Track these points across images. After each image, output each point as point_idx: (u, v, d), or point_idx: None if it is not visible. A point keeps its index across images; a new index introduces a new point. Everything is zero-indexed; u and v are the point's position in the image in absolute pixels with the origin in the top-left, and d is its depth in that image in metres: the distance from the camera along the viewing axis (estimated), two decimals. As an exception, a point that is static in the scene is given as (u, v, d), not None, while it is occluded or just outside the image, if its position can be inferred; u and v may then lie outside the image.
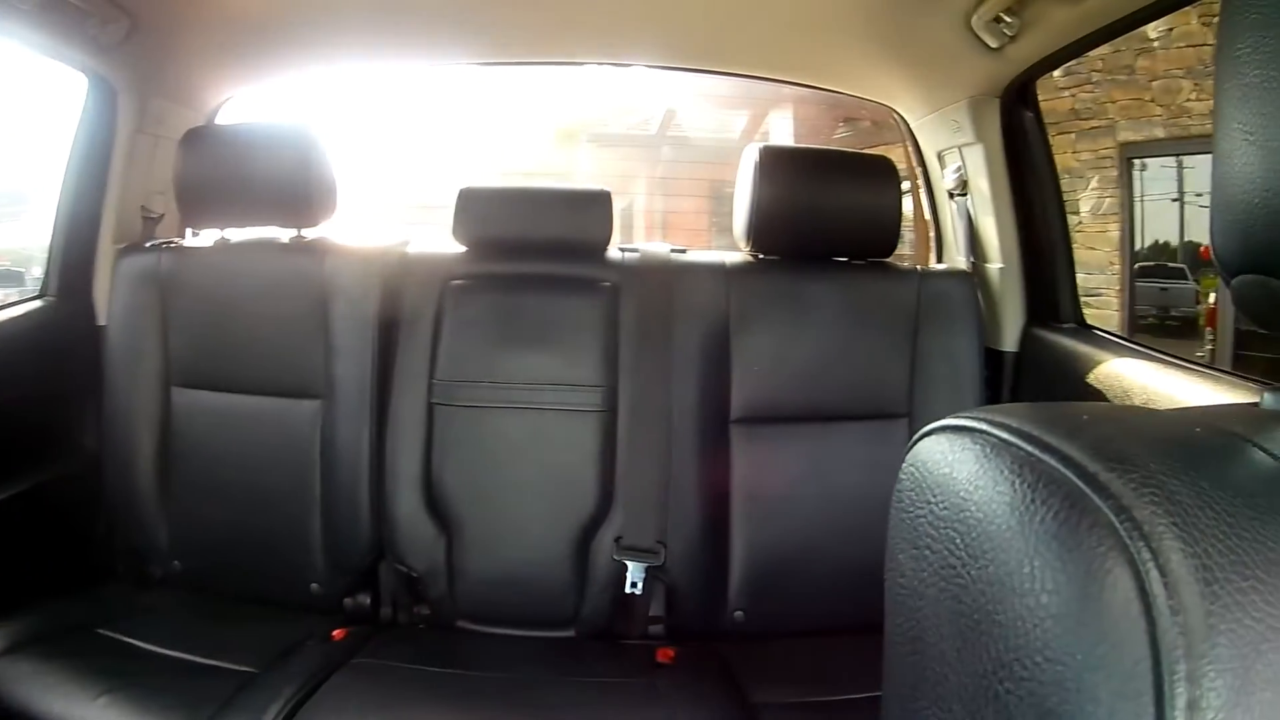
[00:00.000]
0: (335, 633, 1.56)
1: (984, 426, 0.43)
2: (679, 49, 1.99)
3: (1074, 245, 1.80)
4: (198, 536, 1.71)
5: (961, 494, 0.42)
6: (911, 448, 0.47)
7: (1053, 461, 0.39)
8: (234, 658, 1.46)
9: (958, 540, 0.42)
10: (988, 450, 0.41)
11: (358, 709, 1.33)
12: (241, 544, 1.69)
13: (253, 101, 2.03)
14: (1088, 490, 0.37)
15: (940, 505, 0.43)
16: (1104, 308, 4.32)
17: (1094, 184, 4.32)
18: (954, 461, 0.43)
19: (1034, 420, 0.42)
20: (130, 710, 1.31)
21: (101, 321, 1.78)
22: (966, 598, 0.41)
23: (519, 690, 1.39)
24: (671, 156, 6.29)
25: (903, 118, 1.98)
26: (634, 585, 1.58)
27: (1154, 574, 0.34)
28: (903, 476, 0.47)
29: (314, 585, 1.68)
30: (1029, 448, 0.40)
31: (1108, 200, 4.34)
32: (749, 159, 1.69)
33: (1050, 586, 0.36)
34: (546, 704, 1.35)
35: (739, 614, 1.61)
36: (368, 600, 1.69)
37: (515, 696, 1.37)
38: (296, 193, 1.71)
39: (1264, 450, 0.40)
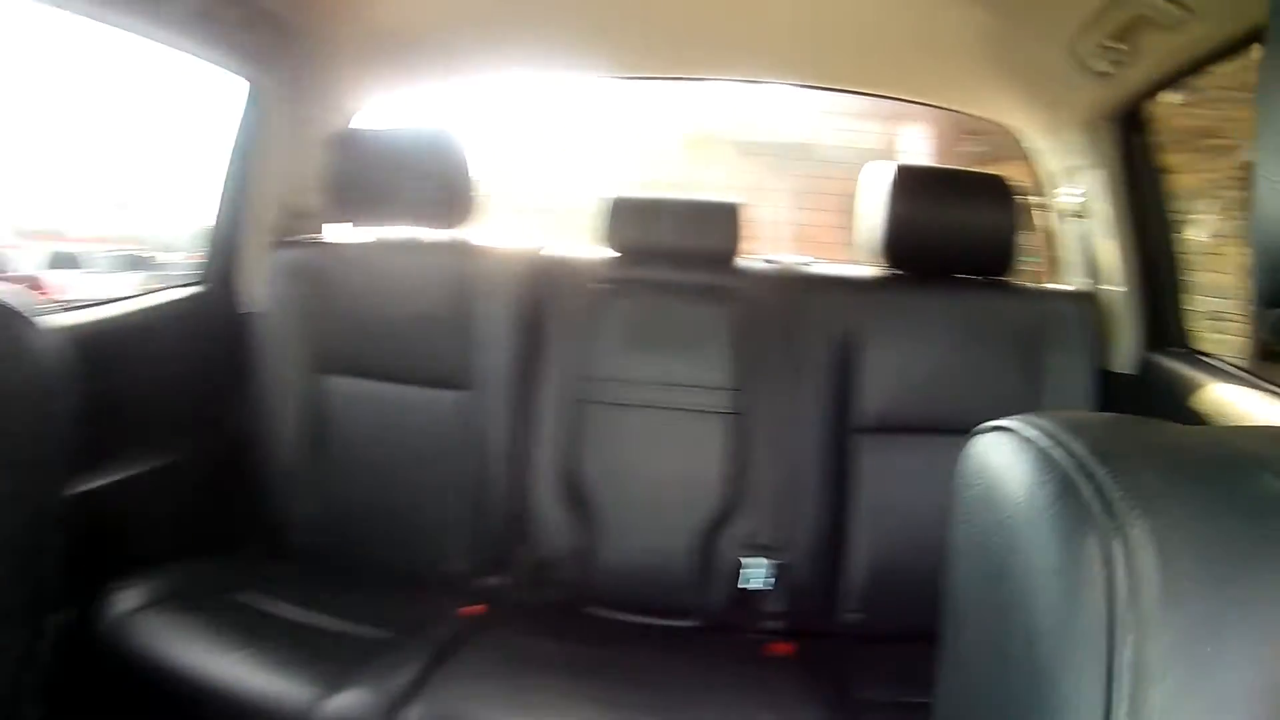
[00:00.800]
0: (467, 610, 1.62)
1: (1016, 426, 0.51)
2: (802, 67, 2.04)
3: (1197, 269, 1.75)
4: (336, 515, 1.79)
5: (993, 481, 0.51)
6: (967, 445, 0.55)
7: (1059, 454, 0.46)
8: (365, 628, 1.51)
9: (990, 520, 0.50)
10: (1016, 445, 0.50)
11: (484, 680, 1.39)
12: (379, 523, 1.77)
13: (389, 105, 2.13)
14: (1078, 478, 0.44)
15: (979, 489, 0.52)
16: (1228, 333, 4.12)
17: (1217, 205, 4.13)
18: (992, 454, 0.52)
19: (1057, 422, 0.49)
20: (261, 667, 1.37)
21: (252, 309, 1.89)
22: (991, 560, 0.50)
23: (638, 674, 1.43)
24: (802, 169, 6.27)
25: (1021, 137, 1.98)
26: (754, 581, 1.63)
27: (1117, 547, 0.41)
28: (957, 469, 0.55)
29: (448, 565, 1.74)
30: (1045, 442, 0.48)
31: (1232, 223, 4.14)
32: (878, 174, 1.72)
33: (1043, 556, 0.44)
34: (661, 687, 1.39)
35: (855, 615, 1.64)
36: (501, 582, 1.74)
37: (634, 679, 1.41)
38: (439, 194, 1.79)
39: (1271, 472, 0.44)
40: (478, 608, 1.63)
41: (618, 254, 1.83)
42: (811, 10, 1.72)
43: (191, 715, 1.38)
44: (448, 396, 1.76)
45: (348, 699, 1.33)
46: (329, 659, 1.40)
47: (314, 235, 1.96)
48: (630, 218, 1.82)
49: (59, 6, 1.40)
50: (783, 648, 1.57)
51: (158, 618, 1.46)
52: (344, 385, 1.81)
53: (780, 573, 1.65)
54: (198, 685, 1.37)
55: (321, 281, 1.82)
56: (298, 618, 1.54)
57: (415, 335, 1.78)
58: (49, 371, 0.68)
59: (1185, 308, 1.73)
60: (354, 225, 1.89)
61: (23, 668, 0.66)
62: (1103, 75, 1.56)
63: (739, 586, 1.65)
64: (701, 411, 1.71)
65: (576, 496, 1.72)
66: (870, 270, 1.79)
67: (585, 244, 1.91)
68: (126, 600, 1.48)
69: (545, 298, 1.78)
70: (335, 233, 2.00)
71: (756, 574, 1.64)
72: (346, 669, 1.37)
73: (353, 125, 2.04)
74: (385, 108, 2.12)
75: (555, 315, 1.77)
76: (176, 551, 1.66)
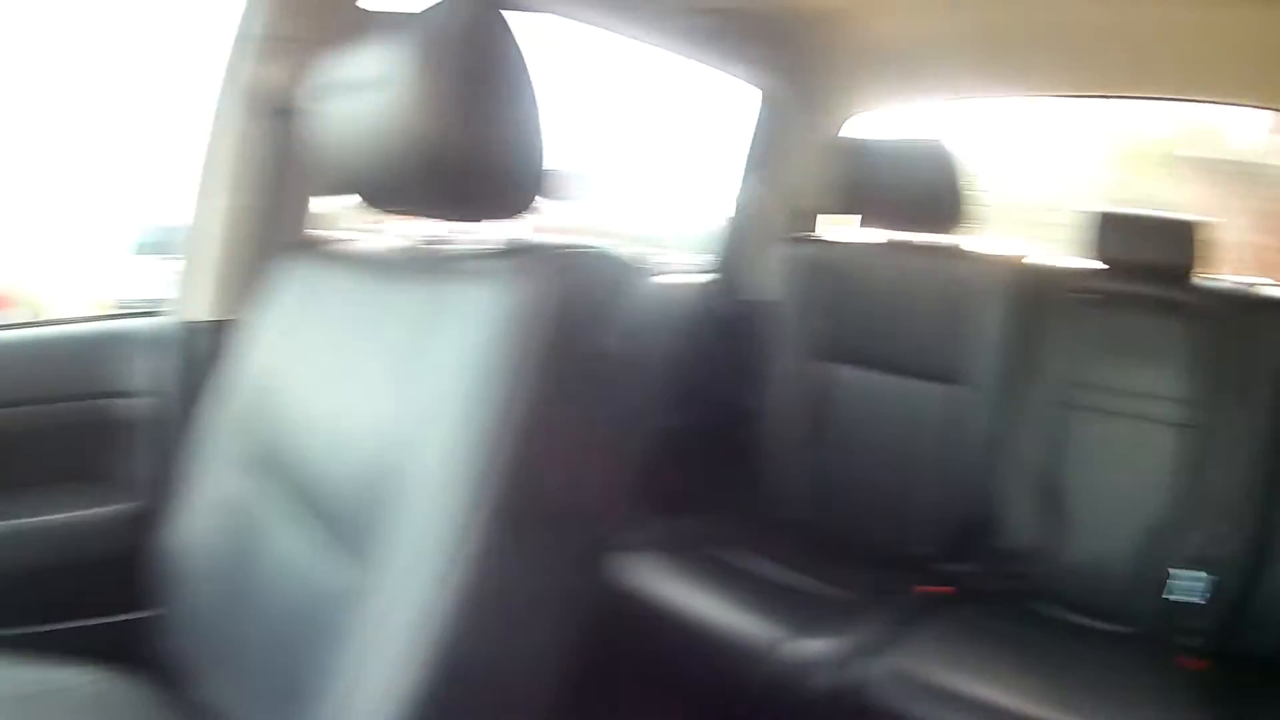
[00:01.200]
0: (930, 589, 1.72)
1: None
2: (1196, 82, 1.97)
3: None
4: (822, 490, 1.96)
5: None
6: None
7: None
8: (833, 589, 1.66)
9: None
10: None
11: (943, 647, 1.49)
12: (860, 501, 1.91)
13: (878, 115, 2.27)
14: None
15: None
16: None
17: None
18: None
19: None
20: (733, 609, 1.55)
21: (762, 298, 2.07)
22: None
23: (1069, 670, 1.46)
24: (1256, 189, 5.66)
25: None
26: (1184, 594, 1.62)
27: None
28: None
29: (916, 546, 1.83)
30: None
31: None
32: None
33: None
34: (1091, 683, 1.42)
35: (1277, 640, 1.58)
36: (962, 568, 1.80)
37: (1066, 675, 1.44)
38: (935, 201, 1.91)
39: None
40: (939, 588, 1.73)
41: (1100, 265, 1.86)
42: (1237, 28, 1.69)
43: (666, 644, 1.55)
44: (938, 390, 1.88)
45: (814, 644, 1.46)
46: (798, 609, 1.54)
47: (820, 234, 2.14)
48: (1114, 231, 1.84)
49: (604, 28, 1.66)
50: (1200, 663, 1.54)
51: (646, 559, 1.67)
52: (846, 373, 1.98)
53: (1214, 590, 1.61)
54: (673, 619, 1.55)
55: (831, 276, 1.99)
56: (772, 575, 1.70)
57: (913, 331, 1.91)
58: (644, 318, 0.75)
59: None
60: (858, 225, 2.04)
61: (582, 572, 0.76)
62: None
63: (1168, 597, 1.63)
64: (1160, 422, 1.72)
65: (1048, 496, 1.77)
66: None
67: (1061, 253, 1.97)
68: (623, 540, 1.64)
69: (1033, 303, 1.86)
70: (831, 231, 2.17)
71: (1190, 587, 1.62)
72: (813, 619, 1.51)
73: (843, 133, 2.22)
74: (874, 117, 2.26)
75: (1042, 321, 1.84)
76: (670, 506, 1.83)
